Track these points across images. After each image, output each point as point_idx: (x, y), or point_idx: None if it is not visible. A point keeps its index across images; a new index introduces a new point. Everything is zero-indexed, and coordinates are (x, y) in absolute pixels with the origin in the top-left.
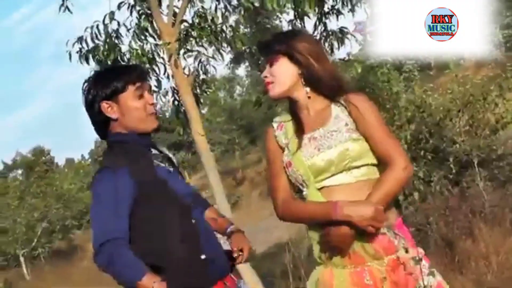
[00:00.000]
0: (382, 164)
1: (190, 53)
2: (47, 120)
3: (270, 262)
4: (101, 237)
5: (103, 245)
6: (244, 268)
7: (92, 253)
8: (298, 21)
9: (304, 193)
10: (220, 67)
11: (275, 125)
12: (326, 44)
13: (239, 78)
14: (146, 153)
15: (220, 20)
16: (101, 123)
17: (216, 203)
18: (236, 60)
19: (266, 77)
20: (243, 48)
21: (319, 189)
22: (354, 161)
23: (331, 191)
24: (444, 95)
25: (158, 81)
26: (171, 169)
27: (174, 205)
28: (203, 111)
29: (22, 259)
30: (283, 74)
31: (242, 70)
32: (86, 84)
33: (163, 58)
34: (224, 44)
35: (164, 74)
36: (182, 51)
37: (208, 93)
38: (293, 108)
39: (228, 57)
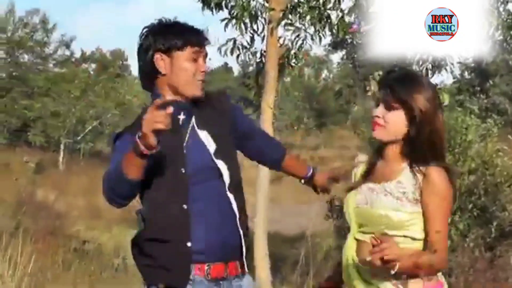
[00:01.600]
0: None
1: (290, 27)
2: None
3: (288, 248)
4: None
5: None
6: (260, 259)
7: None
8: None
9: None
10: (316, 45)
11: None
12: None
13: (330, 63)
14: (175, 122)
15: (330, 4)
16: (148, 73)
17: (259, 174)
18: (334, 45)
19: (378, 117)
20: (345, 37)
21: (357, 240)
22: (388, 229)
23: (364, 246)
24: None
25: (252, 38)
26: (201, 138)
27: (169, 184)
28: (285, 79)
29: (62, 147)
30: (397, 126)
31: (336, 57)
32: (145, 30)
33: (264, 19)
34: (326, 29)
35: (260, 34)
36: (283, 22)
37: (293, 67)
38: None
39: (328, 39)
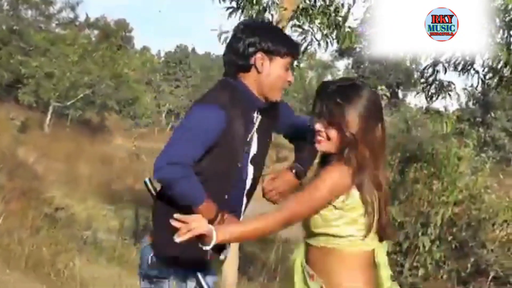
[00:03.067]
0: None
1: (297, 29)
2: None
3: (260, 250)
4: (174, 157)
5: (174, 164)
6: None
7: (154, 166)
8: None
9: None
10: (322, 49)
11: None
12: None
13: (335, 70)
14: (250, 112)
15: (343, 12)
16: (240, 66)
17: None
18: (341, 52)
19: (320, 131)
20: (353, 46)
21: (307, 244)
22: (315, 228)
23: (311, 251)
24: (502, 200)
25: None
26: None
27: (226, 171)
28: None
29: (51, 110)
30: (337, 142)
31: (342, 64)
32: (248, 27)
33: (271, 15)
34: (333, 35)
35: None
36: (291, 23)
37: (294, 68)
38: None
39: (335, 45)
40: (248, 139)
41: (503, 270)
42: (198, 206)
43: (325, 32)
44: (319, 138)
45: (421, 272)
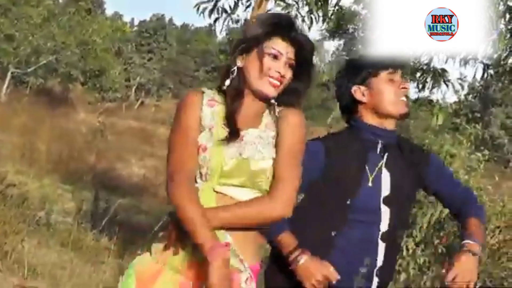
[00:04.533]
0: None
1: (281, 2)
2: None
3: None
4: None
5: None
6: None
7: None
8: None
9: (199, 186)
10: (313, 29)
11: (206, 97)
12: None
13: (322, 51)
14: (366, 149)
15: None
16: (348, 107)
17: None
18: (332, 32)
19: (283, 76)
20: (346, 26)
21: (217, 192)
22: (266, 183)
23: (224, 201)
24: (496, 204)
25: (236, 4)
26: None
27: (330, 205)
28: None
29: (9, 76)
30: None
31: (330, 45)
32: (339, 72)
33: None
34: (319, 12)
35: (247, 1)
36: None
37: None
38: (235, 94)
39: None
40: (365, 174)
41: (491, 279)
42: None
43: (312, 7)
44: (280, 83)
45: (402, 277)
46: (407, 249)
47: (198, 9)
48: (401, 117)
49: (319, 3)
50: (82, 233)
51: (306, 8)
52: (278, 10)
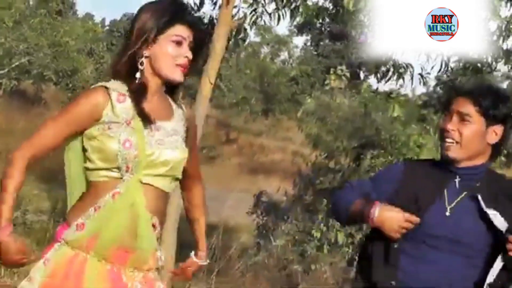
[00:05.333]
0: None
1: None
2: None
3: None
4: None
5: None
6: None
7: None
8: None
9: (124, 178)
10: (281, 26)
11: (113, 94)
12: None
13: (291, 46)
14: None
15: None
16: None
17: None
18: (300, 27)
19: (189, 60)
20: (308, 19)
21: (143, 183)
22: (180, 172)
23: (150, 192)
24: None
25: (202, 1)
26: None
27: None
28: (241, 55)
29: None
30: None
31: (300, 40)
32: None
33: None
34: (286, 9)
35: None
36: None
37: (242, 44)
38: (141, 87)
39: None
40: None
41: None
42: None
43: (278, 5)
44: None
45: None
46: None
47: None
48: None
49: (283, 1)
50: None
51: (273, 5)
52: (244, 7)
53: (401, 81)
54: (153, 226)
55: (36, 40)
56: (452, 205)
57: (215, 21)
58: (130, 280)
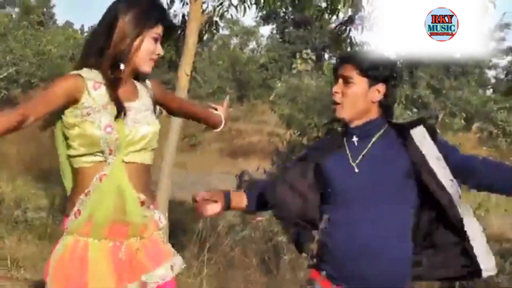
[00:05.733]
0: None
1: None
2: None
3: (191, 219)
4: None
5: None
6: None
7: None
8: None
9: (108, 161)
10: (247, 17)
11: (89, 82)
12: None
13: (258, 35)
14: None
15: None
16: None
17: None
18: (266, 17)
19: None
20: (272, 9)
21: (126, 162)
22: (155, 142)
23: (133, 168)
24: None
25: (172, 1)
26: None
27: None
28: (212, 48)
29: None
30: None
31: (266, 29)
32: None
33: None
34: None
35: None
36: None
37: (215, 36)
38: (118, 77)
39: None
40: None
41: None
42: None
43: None
44: None
45: None
46: None
47: None
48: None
49: None
50: (58, 225)
51: None
52: (212, 1)
53: None
54: (142, 203)
55: (21, 51)
56: (357, 161)
57: (186, 17)
58: (126, 249)
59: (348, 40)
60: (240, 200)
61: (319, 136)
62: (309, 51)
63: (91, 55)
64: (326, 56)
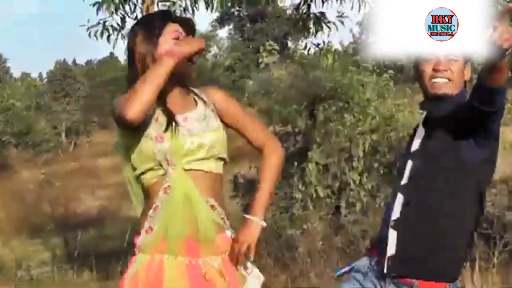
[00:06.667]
0: (258, 150)
1: (165, 3)
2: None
3: None
4: None
5: None
6: None
7: None
8: None
9: (168, 172)
10: (203, 23)
11: None
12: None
13: (218, 39)
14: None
15: None
16: None
17: None
18: (221, 20)
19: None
20: (225, 8)
21: (187, 170)
22: (221, 151)
23: (197, 175)
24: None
25: (123, 19)
26: None
27: None
28: None
29: None
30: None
31: (224, 32)
32: None
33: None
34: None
35: (132, 13)
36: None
37: None
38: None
39: (214, 14)
40: None
41: None
42: None
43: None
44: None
45: (358, 206)
46: (354, 181)
47: (89, 34)
48: None
49: None
50: (64, 275)
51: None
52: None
53: (327, 34)
54: (212, 207)
55: None
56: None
57: None
58: (208, 268)
59: (312, 20)
60: None
61: (305, 122)
62: (271, 42)
63: (130, 85)
64: (289, 43)
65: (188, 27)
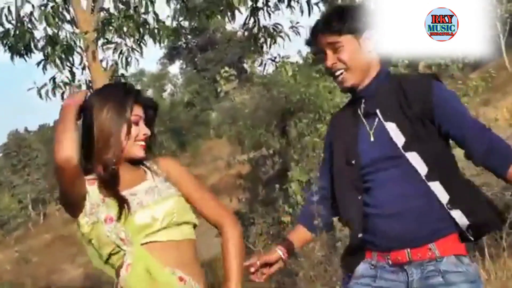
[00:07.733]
0: (213, 225)
1: (109, 45)
2: None
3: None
4: None
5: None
6: None
7: None
8: (229, 14)
9: (127, 251)
10: (152, 63)
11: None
12: (258, 41)
13: (171, 76)
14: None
15: (143, 9)
16: None
17: None
18: (170, 56)
19: (145, 134)
20: (174, 42)
21: (144, 244)
22: (179, 217)
23: (157, 248)
24: None
25: (72, 73)
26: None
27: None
28: None
29: None
30: None
31: (176, 68)
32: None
33: (80, 48)
34: (146, 37)
35: (80, 64)
36: (100, 42)
37: None
38: (113, 174)
39: (161, 52)
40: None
41: None
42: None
43: (136, 36)
44: None
45: None
46: None
47: (40, 95)
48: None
49: (141, 29)
50: None
51: (133, 39)
52: (109, 54)
53: (283, 46)
54: (180, 279)
55: None
56: (373, 130)
57: (90, 83)
58: None
59: (262, 34)
60: (301, 235)
61: (279, 142)
62: (226, 68)
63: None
64: (245, 66)
65: (149, 108)
